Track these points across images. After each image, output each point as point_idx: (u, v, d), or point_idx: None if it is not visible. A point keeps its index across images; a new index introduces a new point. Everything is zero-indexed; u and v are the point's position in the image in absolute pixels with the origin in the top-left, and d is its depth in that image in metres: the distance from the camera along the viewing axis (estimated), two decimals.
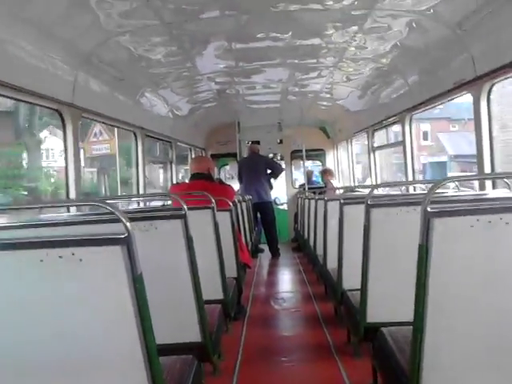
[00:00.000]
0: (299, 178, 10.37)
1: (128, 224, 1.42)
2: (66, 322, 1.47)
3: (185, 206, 2.36)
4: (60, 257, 1.42)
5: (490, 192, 3.34)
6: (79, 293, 1.46)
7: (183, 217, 2.36)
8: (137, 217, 2.36)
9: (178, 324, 2.44)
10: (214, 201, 3.27)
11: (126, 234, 1.41)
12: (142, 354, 1.47)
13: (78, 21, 3.33)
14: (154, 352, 1.48)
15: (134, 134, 5.49)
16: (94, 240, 1.42)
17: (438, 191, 3.45)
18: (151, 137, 6.15)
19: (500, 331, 1.66)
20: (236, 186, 9.39)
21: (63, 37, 3.37)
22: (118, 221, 1.43)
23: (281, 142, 10.13)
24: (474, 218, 1.58)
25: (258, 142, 9.47)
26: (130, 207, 4.73)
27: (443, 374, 1.72)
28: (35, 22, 3.02)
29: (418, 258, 1.62)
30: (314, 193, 6.44)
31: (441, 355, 1.70)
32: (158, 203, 5.42)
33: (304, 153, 8.83)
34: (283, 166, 10.51)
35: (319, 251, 4.91)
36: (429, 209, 1.58)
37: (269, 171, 8.64)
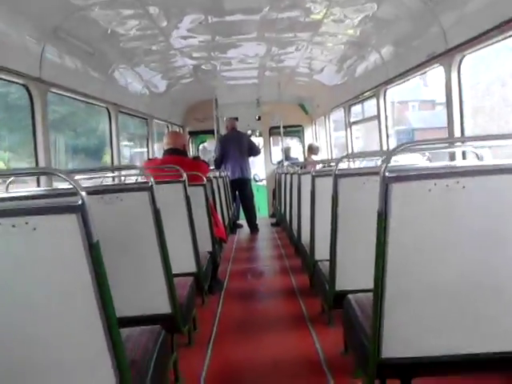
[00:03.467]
0: (278, 154, 10.36)
1: (83, 192, 1.40)
2: (21, 292, 1.46)
3: (151, 179, 2.35)
4: (13, 226, 1.40)
5: (459, 162, 3.39)
6: (35, 262, 1.45)
7: (149, 189, 2.34)
8: (101, 189, 2.34)
9: (148, 296, 2.45)
10: (185, 175, 3.26)
11: (81, 202, 1.39)
12: (101, 323, 1.47)
13: None
14: (113, 320, 1.49)
15: (108, 110, 5.42)
16: (47, 208, 1.41)
17: (407, 162, 3.51)
18: (126, 113, 6.08)
19: (458, 293, 1.71)
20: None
21: (29, 9, 3.28)
22: (77, 194, 1.41)
23: (259, 118, 10.09)
24: (432, 182, 1.61)
25: (236, 119, 9.42)
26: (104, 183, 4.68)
27: (403, 336, 1.76)
28: None
29: (377, 224, 1.64)
30: (291, 167, 6.46)
31: (400, 318, 1.74)
32: (132, 179, 5.38)
33: (282, 129, 8.82)
34: (262, 142, 10.52)
35: (295, 225, 4.95)
36: (387, 174, 1.59)
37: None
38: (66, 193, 2.01)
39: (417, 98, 26.35)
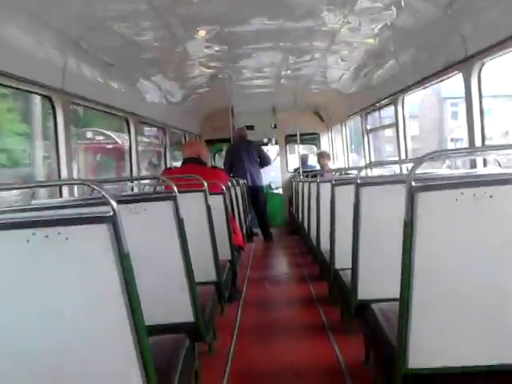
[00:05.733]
0: (294, 161, 10.34)
1: (114, 203, 1.43)
2: (53, 302, 1.48)
3: (175, 188, 2.37)
4: (46, 236, 1.42)
5: (481, 170, 3.36)
6: (66, 272, 1.47)
7: (173, 199, 2.37)
8: (126, 199, 2.37)
9: (171, 305, 2.47)
10: (206, 184, 3.28)
11: (112, 213, 1.42)
12: (130, 332, 1.49)
13: (67, 5, 3.30)
14: (142, 329, 1.50)
15: (127, 121, 5.48)
16: (79, 219, 1.43)
17: (429, 170, 3.50)
18: (144, 123, 6.14)
19: (485, 303, 1.69)
20: None
21: (52, 22, 3.35)
22: (106, 203, 1.44)
23: (275, 126, 10.11)
24: (459, 192, 1.60)
25: (252, 127, 9.44)
26: (124, 193, 4.73)
27: (430, 347, 1.75)
28: (24, 7, 2.99)
29: (403, 233, 1.64)
30: (307, 176, 6.46)
31: (427, 329, 1.73)
32: (151, 189, 5.43)
33: (298, 137, 8.81)
34: (277, 150, 10.53)
35: (313, 233, 4.95)
36: (413, 183, 1.59)
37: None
38: (96, 202, 2.04)
39: None
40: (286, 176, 10.56)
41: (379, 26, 4.45)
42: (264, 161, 8.69)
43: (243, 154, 8.41)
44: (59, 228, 1.43)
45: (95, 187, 1.50)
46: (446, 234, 1.66)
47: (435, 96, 29.20)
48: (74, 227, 1.43)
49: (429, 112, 29.58)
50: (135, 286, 1.49)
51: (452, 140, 28.18)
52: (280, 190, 10.77)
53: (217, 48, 5.27)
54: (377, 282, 2.66)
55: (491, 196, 1.61)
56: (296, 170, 9.54)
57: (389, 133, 5.61)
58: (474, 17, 3.39)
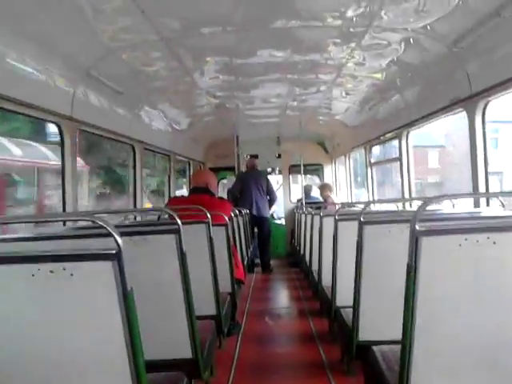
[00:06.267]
0: (297, 192, 10.35)
1: (119, 239, 1.43)
2: (54, 338, 1.48)
3: (179, 221, 2.36)
4: (51, 271, 1.43)
5: (484, 210, 3.35)
6: (69, 308, 1.47)
7: (177, 231, 2.36)
8: (130, 231, 2.36)
9: (169, 340, 2.43)
10: (209, 216, 3.27)
11: (117, 250, 1.42)
12: (129, 371, 1.48)
13: (78, 36, 3.37)
14: (142, 369, 1.49)
15: (133, 148, 5.51)
16: (85, 255, 1.44)
17: (432, 208, 3.50)
18: (150, 150, 6.17)
19: (487, 350, 1.67)
20: None
21: (63, 51, 3.41)
22: (110, 235, 1.44)
23: (279, 156, 10.16)
24: (462, 237, 1.60)
25: (256, 156, 9.49)
26: (126, 222, 4.72)
27: None
28: (36, 36, 3.06)
29: (406, 276, 1.63)
30: (311, 208, 6.44)
31: (429, 374, 1.70)
32: (154, 216, 5.41)
33: (302, 167, 8.84)
34: (281, 180, 10.56)
35: (314, 267, 4.91)
36: (417, 227, 1.59)
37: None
38: (100, 233, 2.04)
39: None
40: (288, 206, 10.54)
41: (385, 61, 4.51)
42: (272, 197, 8.73)
43: (251, 183, 8.46)
44: (64, 264, 1.44)
45: (102, 223, 1.50)
46: (449, 279, 1.65)
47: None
48: (79, 263, 1.44)
49: (458, 140, 26.80)
50: (137, 323, 1.48)
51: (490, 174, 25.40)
52: (282, 221, 10.73)
53: (225, 78, 5.33)
54: (378, 323, 2.62)
55: (494, 242, 1.60)
56: (299, 200, 9.52)
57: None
58: (479, 56, 3.43)
